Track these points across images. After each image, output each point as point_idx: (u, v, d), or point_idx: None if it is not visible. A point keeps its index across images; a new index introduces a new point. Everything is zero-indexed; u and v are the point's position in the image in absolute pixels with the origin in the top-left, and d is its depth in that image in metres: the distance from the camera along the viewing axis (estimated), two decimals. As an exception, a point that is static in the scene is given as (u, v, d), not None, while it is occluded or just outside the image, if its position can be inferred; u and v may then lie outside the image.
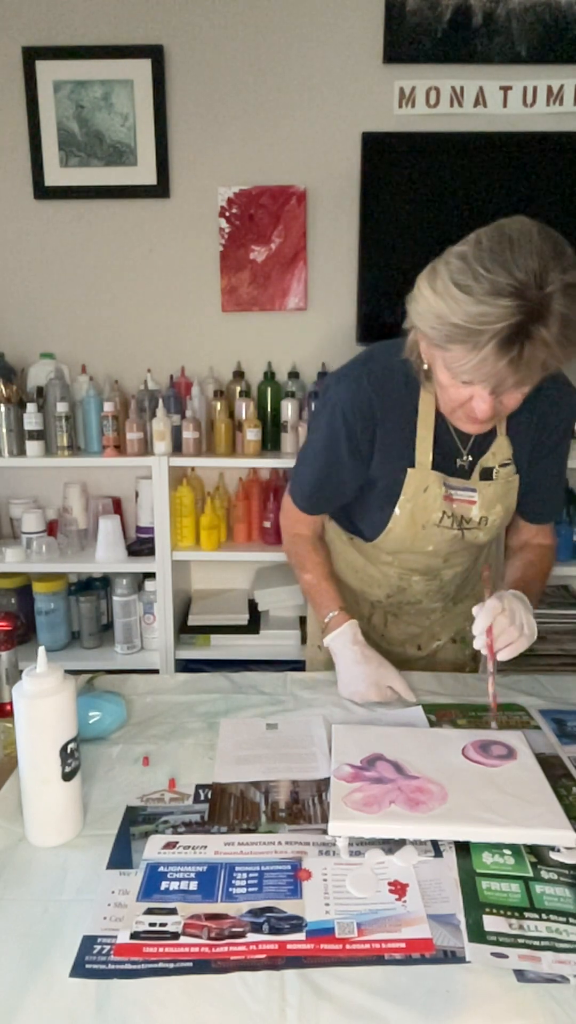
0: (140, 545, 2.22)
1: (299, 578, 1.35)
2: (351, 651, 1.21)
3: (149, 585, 2.18)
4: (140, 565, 2.16)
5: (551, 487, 1.27)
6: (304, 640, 2.22)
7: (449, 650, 1.47)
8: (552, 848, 0.83)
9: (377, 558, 1.32)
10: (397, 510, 1.20)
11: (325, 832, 0.86)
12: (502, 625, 1.06)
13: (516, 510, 1.28)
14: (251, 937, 0.71)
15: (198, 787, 0.96)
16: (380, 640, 1.43)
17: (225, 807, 0.92)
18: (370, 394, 1.14)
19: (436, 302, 0.92)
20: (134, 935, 0.72)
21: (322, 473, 1.23)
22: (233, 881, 0.79)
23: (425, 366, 1.07)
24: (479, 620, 1.07)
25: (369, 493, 1.23)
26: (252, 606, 2.33)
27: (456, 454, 1.18)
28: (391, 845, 0.84)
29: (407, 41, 2.14)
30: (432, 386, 1.10)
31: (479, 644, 1.08)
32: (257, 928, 0.72)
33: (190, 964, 0.69)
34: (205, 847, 0.84)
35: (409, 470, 1.17)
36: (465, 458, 1.19)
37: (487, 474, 1.19)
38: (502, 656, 1.07)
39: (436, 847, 0.84)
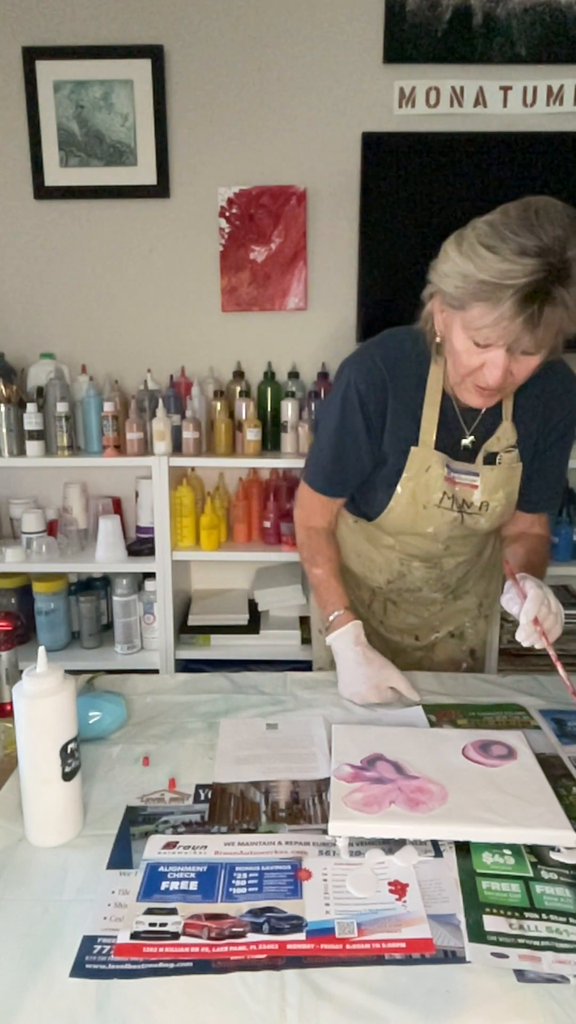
0: (140, 545, 2.22)
1: (308, 572, 1.35)
2: (353, 652, 1.21)
3: (149, 585, 2.18)
4: (140, 565, 2.16)
5: (552, 478, 1.29)
6: (306, 639, 2.22)
7: (447, 644, 1.48)
8: (552, 848, 0.83)
9: (379, 540, 1.33)
10: (399, 488, 1.22)
11: (325, 832, 0.86)
12: (543, 613, 1.09)
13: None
14: (251, 937, 0.71)
15: (198, 787, 0.96)
16: (379, 627, 1.44)
17: (225, 807, 0.92)
18: (383, 371, 1.18)
19: (462, 262, 0.98)
20: (134, 935, 0.72)
21: (339, 450, 1.24)
22: (233, 881, 0.79)
23: (438, 339, 1.12)
24: (528, 609, 1.07)
25: (377, 472, 1.25)
26: (252, 606, 2.33)
27: (461, 435, 1.21)
28: (391, 845, 0.84)
29: (407, 41, 2.14)
30: (442, 361, 1.16)
31: (524, 635, 1.08)
32: (257, 928, 0.72)
33: (190, 964, 0.69)
34: (205, 847, 0.84)
35: (412, 448, 1.20)
36: (469, 439, 1.22)
37: (491, 458, 1.22)
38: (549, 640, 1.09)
39: (436, 847, 0.84)
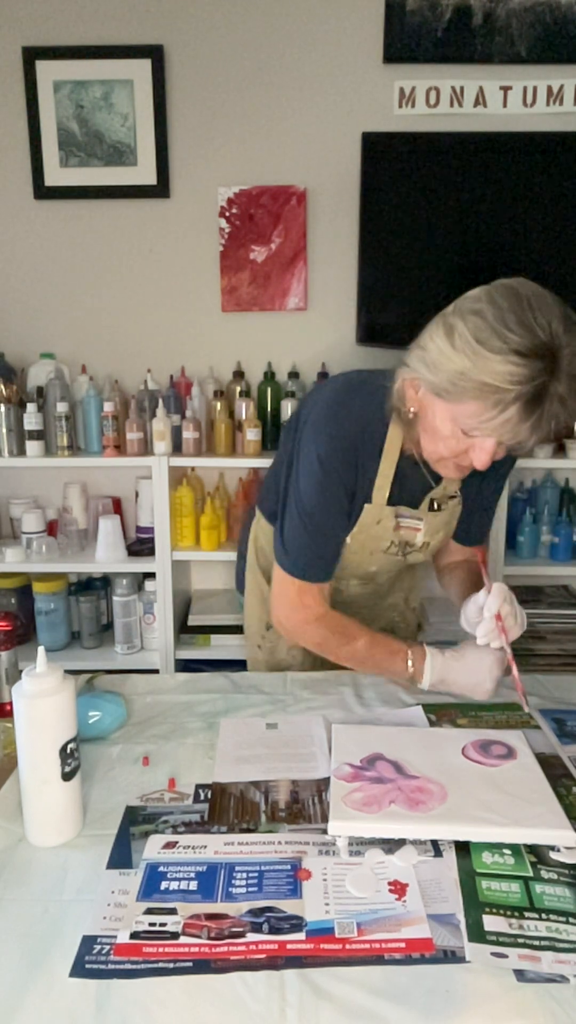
0: (140, 545, 2.22)
1: (348, 654, 1.20)
2: (459, 663, 1.15)
3: (149, 585, 2.18)
4: (140, 565, 2.16)
5: (489, 513, 1.32)
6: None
7: None
8: (552, 848, 0.83)
9: None
10: (349, 539, 1.21)
11: (325, 832, 0.85)
12: (506, 611, 1.09)
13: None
14: (251, 937, 0.71)
15: (198, 787, 0.96)
16: None
17: (225, 807, 0.92)
18: (354, 441, 1.13)
19: (457, 358, 0.94)
20: (134, 935, 0.72)
21: (329, 532, 1.18)
22: (233, 881, 0.79)
23: (411, 414, 1.08)
24: (490, 604, 1.08)
25: None
26: (252, 606, 2.33)
27: (415, 486, 1.19)
28: (391, 845, 0.84)
29: (407, 41, 2.14)
30: (402, 425, 1.11)
31: (484, 631, 1.09)
32: (257, 928, 0.72)
33: (190, 964, 0.69)
34: (205, 847, 0.84)
35: (366, 506, 1.18)
36: (430, 496, 1.22)
37: (435, 505, 1.23)
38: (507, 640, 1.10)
39: (436, 847, 0.84)
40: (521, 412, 0.93)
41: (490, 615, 1.08)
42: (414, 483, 1.19)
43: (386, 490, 1.17)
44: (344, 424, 1.12)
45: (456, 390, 0.95)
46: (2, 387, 2.10)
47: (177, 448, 2.16)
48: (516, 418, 0.94)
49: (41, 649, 0.84)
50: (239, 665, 2.15)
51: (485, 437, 0.99)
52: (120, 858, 0.83)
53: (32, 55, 2.15)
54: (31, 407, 2.09)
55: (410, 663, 1.16)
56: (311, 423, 1.15)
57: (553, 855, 0.82)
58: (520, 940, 0.71)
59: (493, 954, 0.69)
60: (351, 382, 1.17)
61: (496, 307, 0.93)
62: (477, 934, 0.71)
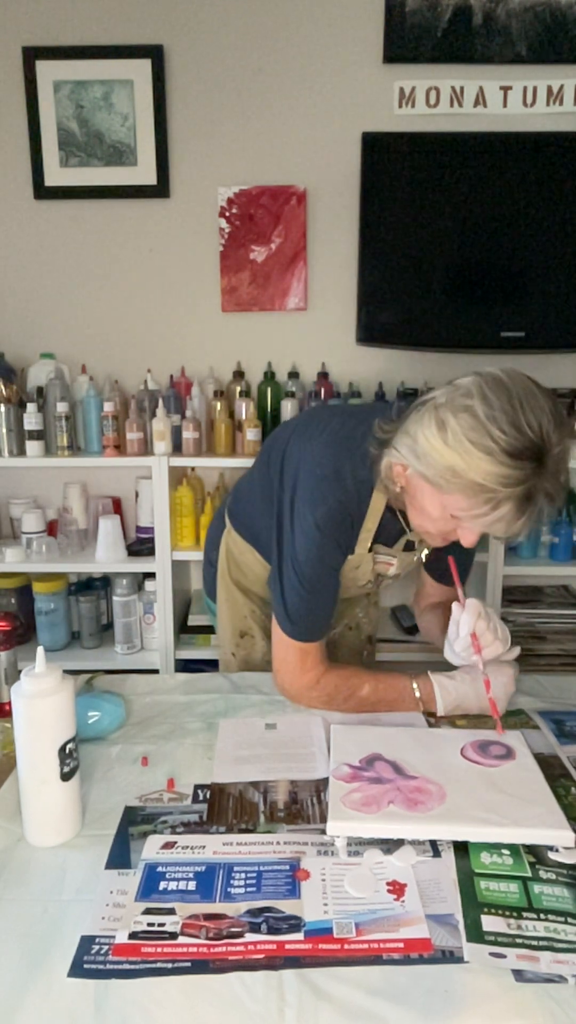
0: (140, 545, 2.22)
1: (353, 707, 1.17)
2: (469, 685, 1.14)
3: (149, 585, 2.18)
4: (140, 565, 2.16)
5: (467, 553, 1.27)
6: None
7: (346, 637, 1.53)
8: (551, 848, 0.83)
9: None
10: None
11: (324, 832, 0.86)
12: (482, 628, 1.09)
13: (427, 571, 1.37)
14: (249, 937, 0.71)
15: (197, 787, 0.96)
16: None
17: (224, 807, 0.92)
18: (347, 504, 1.13)
19: (448, 454, 0.95)
20: (132, 935, 0.72)
21: (331, 589, 1.18)
22: (231, 881, 0.79)
23: (398, 489, 1.09)
24: (464, 622, 1.10)
25: None
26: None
27: (397, 533, 1.21)
28: (390, 845, 0.84)
29: (407, 41, 2.14)
30: (385, 491, 1.13)
31: (461, 647, 1.11)
32: (255, 928, 0.72)
33: (188, 964, 0.69)
34: (203, 847, 0.84)
35: (349, 556, 1.19)
36: (418, 551, 1.26)
37: (410, 546, 1.25)
38: (484, 656, 1.11)
39: (435, 847, 0.84)
40: (513, 511, 0.95)
41: (466, 632, 1.09)
42: (392, 528, 1.21)
43: (369, 541, 1.19)
44: (338, 492, 1.12)
45: (447, 484, 0.97)
46: (2, 387, 2.10)
47: (177, 448, 2.16)
48: (509, 517, 0.96)
49: (40, 649, 0.85)
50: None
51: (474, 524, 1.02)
52: (119, 858, 0.83)
53: (32, 55, 2.15)
54: (31, 407, 2.09)
55: (417, 694, 1.15)
56: (306, 489, 1.14)
57: (552, 855, 0.82)
58: (519, 940, 0.71)
59: (492, 954, 0.69)
60: (340, 442, 1.15)
61: (487, 404, 0.93)
62: (476, 934, 0.72)
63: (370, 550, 1.20)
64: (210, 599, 1.53)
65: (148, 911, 0.75)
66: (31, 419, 2.10)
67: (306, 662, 1.17)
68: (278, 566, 1.17)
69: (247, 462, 2.14)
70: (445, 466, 0.96)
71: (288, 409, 2.17)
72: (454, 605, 1.14)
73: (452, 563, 1.18)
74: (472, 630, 1.09)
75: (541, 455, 0.92)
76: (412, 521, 1.13)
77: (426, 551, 1.27)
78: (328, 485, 1.12)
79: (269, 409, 2.23)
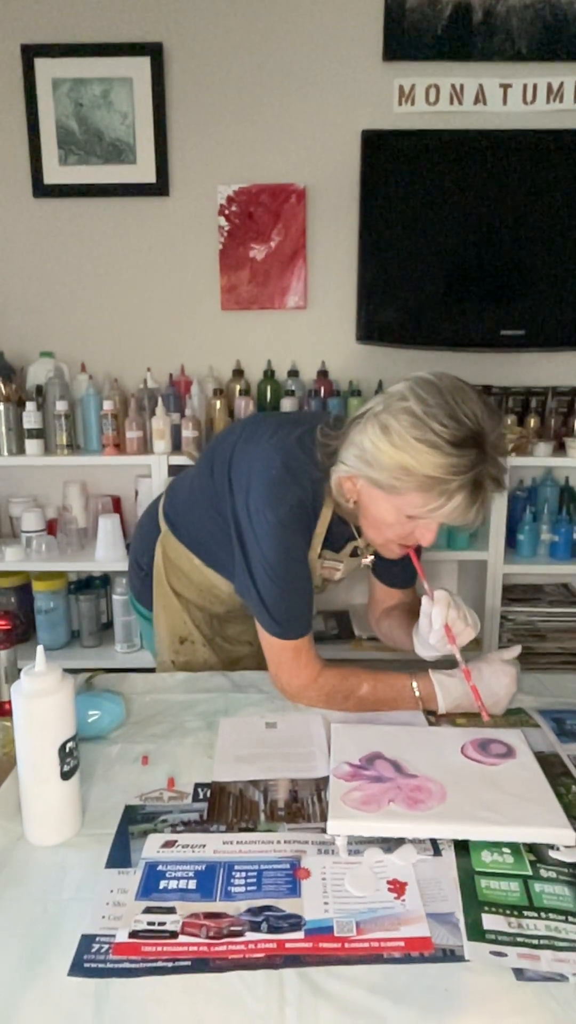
0: (140, 544, 2.21)
1: (352, 707, 1.16)
2: (462, 684, 1.14)
3: (149, 584, 2.17)
4: (140, 564, 2.16)
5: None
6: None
7: None
8: (551, 847, 0.83)
9: (230, 591, 1.32)
10: None
11: (324, 831, 0.85)
12: (453, 617, 1.11)
13: (376, 577, 1.38)
14: (250, 936, 0.71)
15: (197, 786, 0.96)
16: (215, 636, 1.45)
17: (224, 806, 0.92)
18: (304, 502, 1.15)
19: (396, 454, 1.01)
20: (133, 934, 0.72)
21: (305, 581, 1.18)
22: (232, 880, 0.78)
23: (351, 503, 1.13)
24: (436, 615, 1.10)
25: None
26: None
27: (344, 539, 1.24)
28: (390, 844, 0.84)
29: (407, 39, 2.13)
30: (336, 506, 1.17)
31: (436, 639, 1.11)
32: (256, 927, 0.72)
33: (189, 963, 0.69)
34: (204, 846, 0.84)
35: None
36: (367, 556, 1.29)
37: (355, 552, 1.28)
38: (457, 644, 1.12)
39: (435, 846, 0.84)
40: (467, 499, 1.01)
41: (439, 624, 1.10)
42: (339, 533, 1.23)
43: (319, 547, 1.22)
44: (296, 489, 1.13)
45: (400, 484, 1.02)
46: (1, 386, 2.10)
47: (177, 447, 2.16)
48: (463, 505, 1.01)
49: (40, 648, 0.84)
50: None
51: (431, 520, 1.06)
52: (119, 857, 0.83)
53: (31, 53, 2.15)
54: (30, 406, 2.09)
55: (417, 693, 1.14)
56: (262, 490, 1.14)
57: (552, 854, 0.82)
58: (519, 939, 0.71)
59: (492, 953, 0.69)
60: (288, 445, 1.16)
61: (423, 403, 1.00)
62: (476, 933, 0.71)
63: (319, 555, 1.23)
64: (141, 604, 1.49)
65: (148, 910, 0.75)
66: (30, 418, 2.09)
67: (300, 659, 1.17)
68: (248, 573, 1.16)
69: (247, 461, 2.14)
70: (396, 466, 1.01)
71: (288, 407, 2.16)
72: (424, 599, 1.13)
73: (413, 555, 1.18)
74: (445, 621, 1.10)
75: (481, 441, 0.99)
76: (368, 536, 1.18)
77: (371, 558, 1.29)
78: (285, 484, 1.13)
79: (269, 408, 2.23)
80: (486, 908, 0.75)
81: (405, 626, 1.27)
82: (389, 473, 1.02)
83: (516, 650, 1.18)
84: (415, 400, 1.00)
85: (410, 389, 1.02)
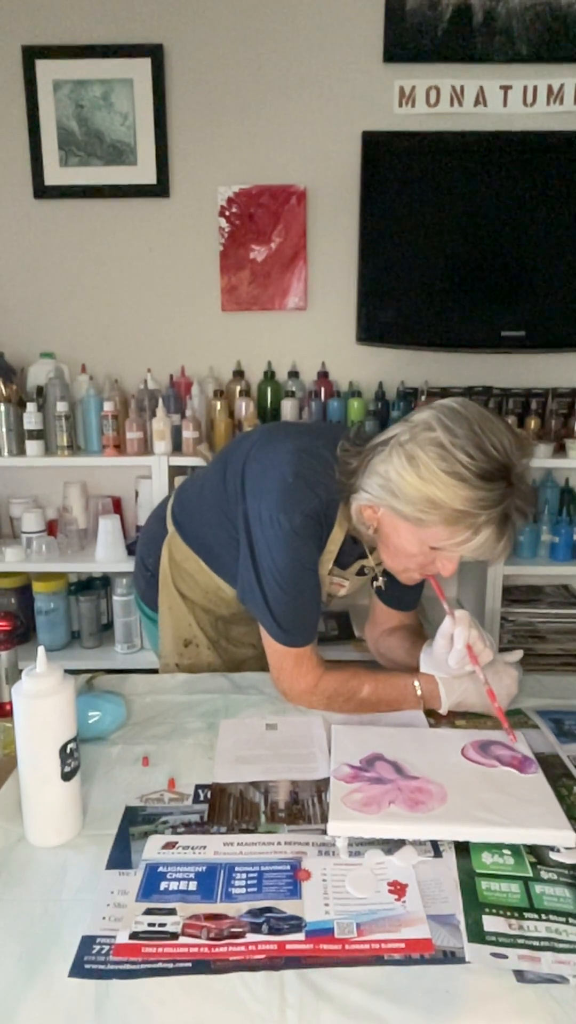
0: (140, 545, 2.22)
1: (354, 708, 1.15)
2: (465, 684, 1.14)
3: (149, 585, 2.17)
4: (140, 565, 2.16)
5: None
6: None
7: None
8: (552, 848, 0.83)
9: (235, 594, 1.31)
10: None
11: (324, 832, 0.85)
12: (474, 637, 1.09)
13: (381, 599, 1.35)
14: (250, 937, 0.71)
15: (198, 787, 0.96)
16: (220, 639, 1.44)
17: (224, 807, 0.92)
18: (318, 514, 1.14)
19: (425, 488, 0.98)
20: (133, 935, 0.72)
21: (314, 590, 1.18)
22: (232, 881, 0.78)
23: (372, 531, 1.12)
24: (459, 635, 1.08)
25: None
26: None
27: (353, 557, 1.23)
28: (390, 845, 0.84)
29: (407, 40, 2.14)
30: (348, 515, 1.14)
31: (455, 660, 1.09)
32: (256, 928, 0.72)
33: (189, 964, 0.68)
34: (204, 847, 0.84)
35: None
36: (378, 575, 1.26)
37: (362, 571, 1.27)
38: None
39: (436, 847, 0.83)
40: (494, 533, 0.99)
41: (462, 645, 1.08)
42: (349, 552, 1.22)
43: (329, 563, 1.21)
44: (311, 499, 1.12)
45: (426, 517, 1.00)
46: (2, 386, 2.10)
47: (177, 448, 2.16)
48: (491, 539, 0.99)
49: (41, 649, 0.84)
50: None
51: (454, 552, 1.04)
52: (120, 858, 0.83)
53: (32, 54, 2.15)
54: (31, 406, 2.09)
55: (419, 692, 1.14)
56: (276, 497, 1.12)
57: (553, 855, 0.82)
58: (520, 940, 0.71)
59: (493, 954, 0.69)
60: (306, 455, 1.15)
61: (451, 433, 0.97)
62: (477, 934, 0.71)
63: (328, 572, 1.22)
64: (146, 605, 1.48)
65: (149, 911, 0.75)
66: (31, 419, 2.10)
67: (302, 666, 1.17)
68: (256, 580, 1.16)
69: (247, 462, 2.14)
70: (422, 499, 0.99)
71: (288, 408, 2.17)
72: (446, 619, 1.11)
73: (433, 580, 1.16)
74: (468, 641, 1.08)
75: (509, 474, 0.97)
76: (386, 564, 1.16)
77: (383, 579, 1.26)
78: (300, 492, 1.12)
79: (269, 408, 2.23)
80: (487, 910, 0.75)
81: (408, 647, 1.27)
82: (415, 506, 1.00)
83: (519, 654, 1.18)
84: (442, 430, 0.98)
85: (436, 419, 0.99)
